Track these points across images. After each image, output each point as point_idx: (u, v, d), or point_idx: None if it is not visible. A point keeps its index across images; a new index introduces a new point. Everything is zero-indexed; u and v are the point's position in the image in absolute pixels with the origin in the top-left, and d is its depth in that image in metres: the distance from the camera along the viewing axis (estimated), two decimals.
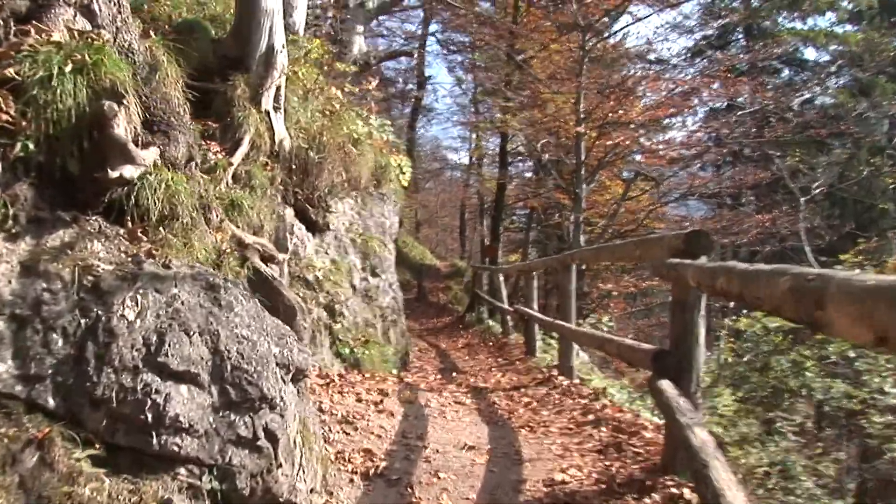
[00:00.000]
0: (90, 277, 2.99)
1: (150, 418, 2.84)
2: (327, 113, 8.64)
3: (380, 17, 25.38)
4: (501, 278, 13.32)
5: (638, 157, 20.97)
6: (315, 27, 14.23)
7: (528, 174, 30.67)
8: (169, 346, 2.99)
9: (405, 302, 22.22)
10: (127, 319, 2.95)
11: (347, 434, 5.37)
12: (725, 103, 24.57)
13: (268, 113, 6.91)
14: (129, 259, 3.26)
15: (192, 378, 3.05)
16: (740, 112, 19.39)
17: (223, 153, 6.43)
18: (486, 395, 7.47)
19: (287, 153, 7.21)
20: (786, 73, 27.97)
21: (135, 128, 3.56)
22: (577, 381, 7.43)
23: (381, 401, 6.34)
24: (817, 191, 20.35)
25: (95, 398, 2.79)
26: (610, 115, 17.87)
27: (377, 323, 9.21)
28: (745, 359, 9.84)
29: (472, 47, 26.36)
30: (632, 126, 19.23)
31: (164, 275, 3.25)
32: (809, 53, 27.27)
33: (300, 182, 7.47)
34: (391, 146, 11.47)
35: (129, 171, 3.41)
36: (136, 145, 3.53)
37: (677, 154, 19.57)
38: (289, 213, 7.22)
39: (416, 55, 30.60)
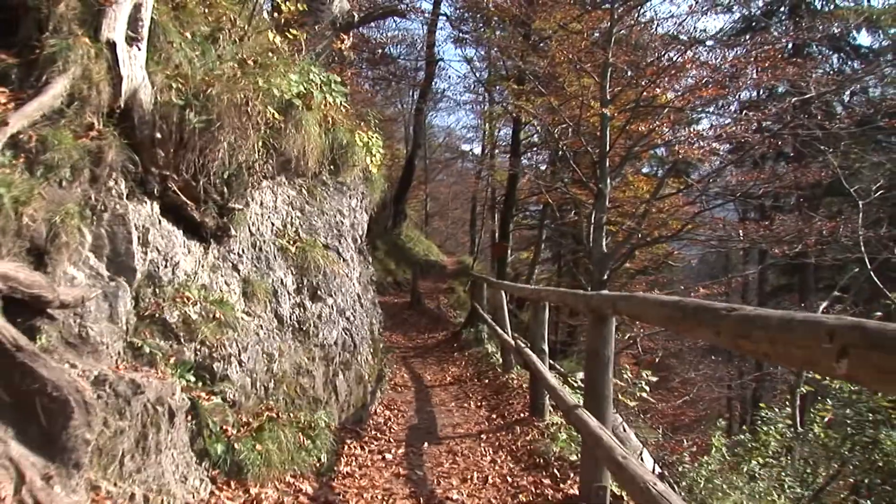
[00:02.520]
0: None
1: None
2: (251, 64, 5.84)
3: None
4: (504, 296, 10.37)
5: (673, 149, 18.04)
6: None
7: (543, 166, 28.16)
8: None
9: (396, 310, 19.66)
10: None
11: None
12: (765, 92, 21.83)
13: (111, 45, 4.16)
14: None
15: None
16: (794, 98, 16.32)
17: (12, 105, 3.74)
18: None
19: (144, 112, 4.40)
20: (834, 60, 25.00)
21: None
22: None
23: None
24: (877, 193, 17.32)
25: None
26: (644, 94, 14.97)
27: (315, 369, 6.38)
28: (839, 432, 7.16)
29: (486, 22, 23.41)
30: (666, 110, 16.33)
31: None
32: (863, 39, 24.27)
33: (172, 161, 4.65)
34: (357, 119, 8.61)
35: None
36: None
37: (712, 147, 16.57)
38: (142, 210, 4.40)
39: (409, 16, 27.64)
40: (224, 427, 4.32)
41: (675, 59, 15.30)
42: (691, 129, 17.63)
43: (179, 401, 3.84)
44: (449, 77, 64.69)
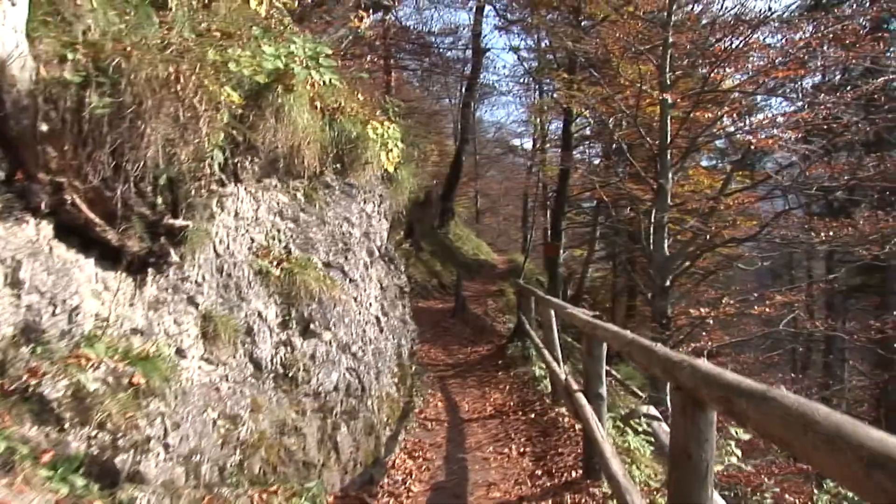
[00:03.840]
0: None
1: None
2: (217, 36, 4.51)
3: None
4: (553, 315, 8.74)
5: (738, 139, 16.32)
6: None
7: (596, 161, 26.59)
8: None
9: (438, 317, 18.15)
10: None
11: None
12: (841, 75, 19.83)
13: None
14: None
15: None
16: (881, 79, 14.40)
17: None
18: None
19: (20, 95, 3.07)
20: None
21: None
22: None
23: None
24: None
25: None
26: (709, 78, 13.33)
27: (307, 425, 4.98)
28: None
29: (534, 7, 21.87)
30: (734, 95, 14.64)
31: None
32: None
33: (72, 162, 3.28)
34: (373, 108, 7.19)
35: None
36: None
37: (787, 135, 14.74)
38: (18, 235, 3.04)
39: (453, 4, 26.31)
40: None
41: (741, 40, 13.60)
42: (764, 116, 15.89)
43: None
44: (496, 68, 63.24)
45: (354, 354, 5.97)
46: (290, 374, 4.95)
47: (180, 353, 4.07)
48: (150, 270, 3.88)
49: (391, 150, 6.69)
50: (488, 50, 30.87)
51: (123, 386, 3.29)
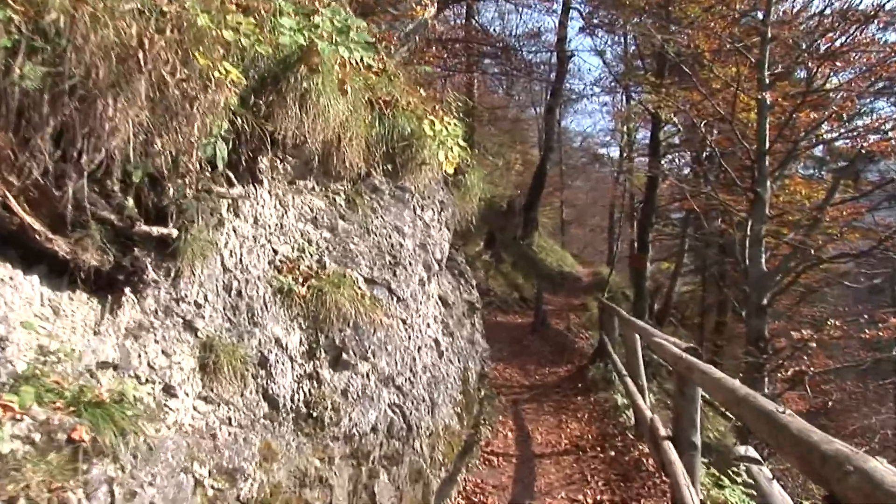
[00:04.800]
0: None
1: None
2: (237, 7, 3.76)
3: None
4: (638, 339, 7.65)
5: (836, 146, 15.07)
6: None
7: (686, 171, 25.30)
8: None
9: (517, 333, 17.13)
10: None
11: None
12: None
13: None
14: None
15: None
16: None
17: None
18: None
19: None
20: None
21: None
22: None
23: None
24: None
25: None
26: (817, 73, 12.07)
27: (335, 474, 4.15)
28: None
29: (620, 7, 20.77)
30: (841, 96, 13.32)
31: None
32: None
33: (7, 147, 2.53)
34: (433, 104, 6.32)
35: None
36: None
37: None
38: None
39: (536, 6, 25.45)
40: None
41: (850, 35, 12.31)
42: (875, 119, 14.49)
43: None
44: (581, 73, 62.07)
45: (399, 388, 5.09)
46: (315, 414, 4.12)
47: (169, 391, 3.30)
48: (126, 290, 3.11)
49: (451, 149, 5.81)
50: (573, 55, 29.74)
51: (58, 444, 2.49)
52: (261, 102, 3.83)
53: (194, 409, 3.43)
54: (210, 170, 3.58)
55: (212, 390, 3.54)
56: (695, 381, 4.01)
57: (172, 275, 3.41)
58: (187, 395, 3.40)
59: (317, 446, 4.10)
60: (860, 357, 13.40)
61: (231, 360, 3.64)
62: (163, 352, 3.32)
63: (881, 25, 13.88)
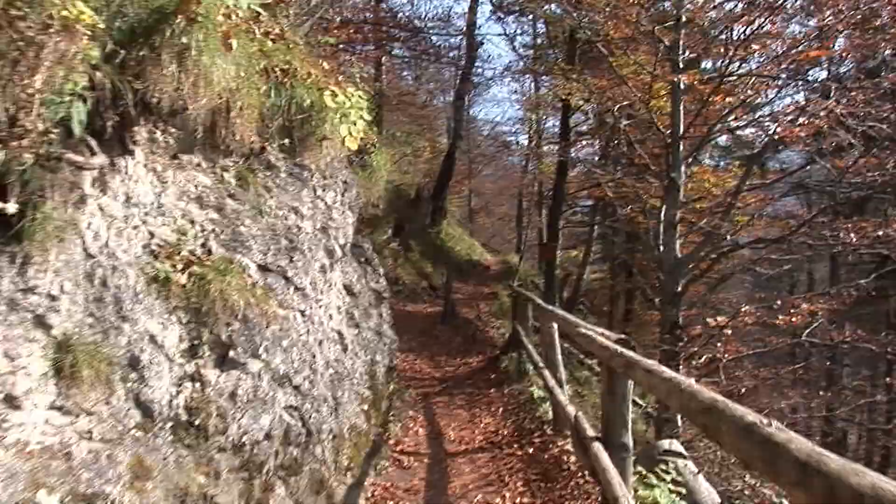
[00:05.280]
0: None
1: None
2: None
3: None
4: (556, 331, 7.30)
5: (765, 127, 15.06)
6: None
7: (596, 158, 25.36)
8: None
9: (426, 323, 16.65)
10: None
11: None
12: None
13: None
14: None
15: None
16: None
17: None
18: None
19: None
20: None
21: None
22: None
23: None
24: None
25: None
26: (730, 55, 11.98)
27: (222, 490, 3.60)
28: None
29: None
30: (752, 80, 13.30)
31: None
32: None
33: None
34: (335, 77, 5.79)
35: None
36: None
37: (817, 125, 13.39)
38: None
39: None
40: None
41: (763, 21, 12.28)
42: (792, 103, 14.56)
43: None
44: (491, 59, 62.07)
45: (297, 388, 4.56)
46: (198, 422, 3.56)
47: (11, 402, 2.70)
48: None
49: (354, 123, 5.29)
50: (482, 43, 29.37)
51: None
52: (130, 58, 3.25)
53: (46, 422, 2.84)
54: (66, 136, 2.99)
55: (68, 398, 2.95)
56: (637, 381, 3.58)
57: (19, 261, 2.82)
58: (36, 406, 2.81)
59: (200, 459, 3.54)
60: (771, 343, 13.50)
61: (93, 361, 3.06)
62: (5, 354, 2.72)
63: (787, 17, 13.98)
